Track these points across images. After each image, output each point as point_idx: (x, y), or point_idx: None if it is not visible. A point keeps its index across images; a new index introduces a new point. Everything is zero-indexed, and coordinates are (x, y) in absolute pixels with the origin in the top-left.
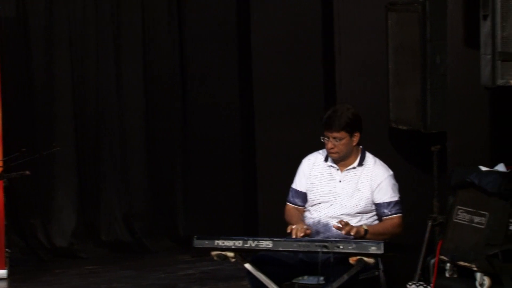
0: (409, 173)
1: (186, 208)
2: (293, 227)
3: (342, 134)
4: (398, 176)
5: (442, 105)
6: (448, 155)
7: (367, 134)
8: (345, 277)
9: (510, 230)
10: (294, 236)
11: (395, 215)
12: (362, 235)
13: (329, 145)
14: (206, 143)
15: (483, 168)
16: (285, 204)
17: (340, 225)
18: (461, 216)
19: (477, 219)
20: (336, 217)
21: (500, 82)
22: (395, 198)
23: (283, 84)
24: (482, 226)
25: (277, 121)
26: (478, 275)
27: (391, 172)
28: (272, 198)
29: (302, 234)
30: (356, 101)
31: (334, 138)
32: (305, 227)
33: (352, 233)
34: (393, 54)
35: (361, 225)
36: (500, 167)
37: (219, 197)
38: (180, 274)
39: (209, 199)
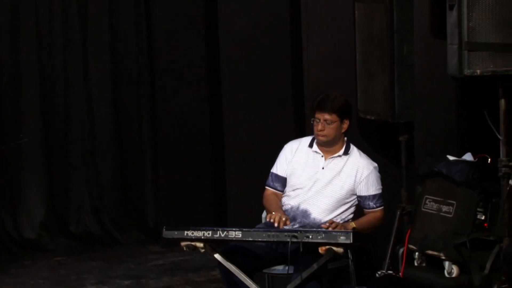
0: (378, 163)
1: (156, 199)
2: (274, 215)
3: (333, 117)
4: None
5: (410, 95)
6: (416, 145)
7: None
8: (315, 266)
9: (478, 219)
10: (276, 225)
11: (378, 208)
12: (351, 230)
13: (319, 126)
14: (175, 134)
15: (451, 158)
16: (253, 193)
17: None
18: (429, 205)
19: (445, 208)
20: (315, 204)
21: (467, 72)
22: (379, 190)
23: (251, 75)
24: (450, 215)
25: (245, 113)
26: (447, 263)
27: (375, 164)
28: (241, 189)
29: (282, 226)
30: (324, 91)
31: (325, 120)
32: (284, 218)
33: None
34: (361, 45)
35: (349, 222)
36: (468, 157)
37: (188, 188)
38: (150, 265)
39: (179, 190)
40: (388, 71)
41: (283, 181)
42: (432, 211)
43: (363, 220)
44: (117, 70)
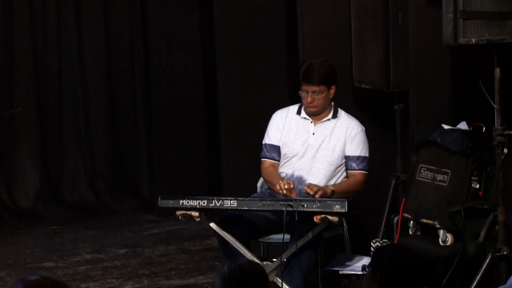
0: (373, 132)
1: (150, 168)
2: (281, 183)
3: (321, 88)
4: None
5: (405, 64)
6: (410, 114)
7: None
8: (310, 235)
9: (472, 187)
10: (283, 192)
11: (360, 171)
12: (329, 195)
13: (309, 99)
14: (169, 104)
15: (446, 127)
16: (248, 163)
17: (309, 190)
18: (424, 174)
19: (439, 177)
20: (309, 170)
21: (462, 40)
22: (365, 154)
23: (246, 47)
24: (445, 184)
25: (239, 83)
26: (441, 232)
27: (363, 127)
28: (236, 158)
29: (287, 186)
30: (307, 59)
31: (314, 92)
32: (292, 185)
33: (318, 196)
34: (356, 14)
35: (327, 186)
36: (463, 125)
37: (183, 157)
38: (145, 234)
39: (173, 159)
40: (383, 40)
41: (278, 149)
42: (426, 180)
43: (342, 184)
44: (111, 41)
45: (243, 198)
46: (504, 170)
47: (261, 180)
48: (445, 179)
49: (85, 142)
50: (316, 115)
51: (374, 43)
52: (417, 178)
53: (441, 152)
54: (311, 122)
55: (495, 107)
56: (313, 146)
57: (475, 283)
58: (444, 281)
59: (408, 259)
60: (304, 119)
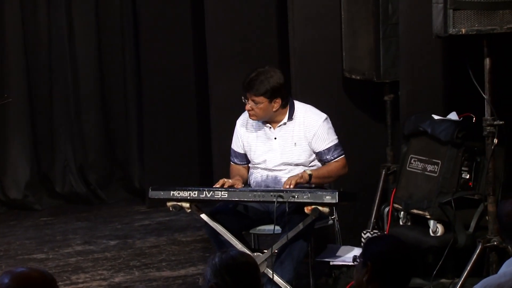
0: (363, 122)
1: (141, 159)
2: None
3: (260, 99)
4: (352, 126)
5: (395, 54)
6: (401, 104)
7: (321, 84)
8: (301, 226)
9: (463, 178)
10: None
11: (338, 158)
12: (308, 179)
13: (247, 107)
14: (160, 93)
15: (436, 117)
16: None
17: (286, 186)
18: (414, 164)
19: (430, 167)
20: (282, 171)
21: (452, 31)
22: (334, 142)
23: (237, 34)
24: (435, 174)
25: (230, 72)
26: (432, 222)
27: (324, 116)
28: (227, 150)
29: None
30: (309, 51)
31: (253, 101)
32: (231, 180)
33: (298, 182)
34: (346, 4)
35: (304, 171)
36: (453, 116)
37: (174, 148)
38: (136, 225)
39: (164, 150)
40: (373, 30)
41: (242, 156)
42: (417, 170)
43: (322, 169)
44: (102, 29)
45: (234, 189)
46: (494, 160)
47: None
48: (436, 170)
49: (76, 133)
50: (268, 120)
51: (365, 33)
52: (408, 168)
53: (432, 142)
54: (270, 127)
55: (485, 97)
56: (278, 150)
57: (465, 273)
58: (435, 271)
59: (399, 249)
60: (263, 125)
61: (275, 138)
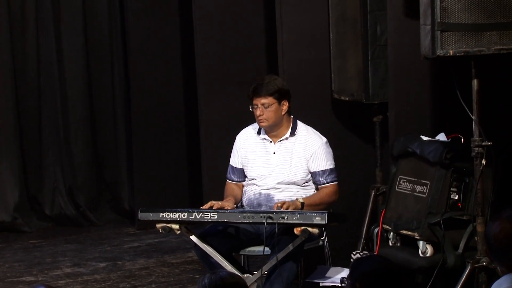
0: (352, 143)
1: (131, 180)
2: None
3: (270, 99)
4: (341, 147)
5: (384, 76)
6: (389, 125)
7: (310, 105)
8: (290, 247)
9: (452, 198)
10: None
11: (330, 184)
12: (300, 208)
13: (258, 112)
14: (149, 115)
15: (425, 138)
16: None
17: (276, 208)
18: (403, 185)
19: (419, 188)
20: (275, 188)
21: (440, 52)
22: (330, 166)
23: (226, 55)
24: (424, 195)
25: (220, 93)
26: (421, 243)
27: (324, 140)
28: (217, 170)
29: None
30: (298, 72)
31: (262, 104)
32: (220, 202)
33: (289, 209)
34: (335, 25)
35: (296, 199)
36: (441, 137)
37: (163, 169)
38: (125, 247)
39: (154, 172)
40: (362, 52)
41: (239, 172)
42: (406, 191)
43: (314, 196)
44: (91, 50)
45: (224, 211)
46: (482, 181)
47: None
48: (424, 190)
49: (64, 155)
50: (272, 131)
51: (353, 54)
52: (397, 189)
53: (420, 163)
54: (271, 142)
55: (473, 118)
56: (276, 165)
57: None
58: None
59: (387, 270)
60: (263, 140)
61: (274, 153)
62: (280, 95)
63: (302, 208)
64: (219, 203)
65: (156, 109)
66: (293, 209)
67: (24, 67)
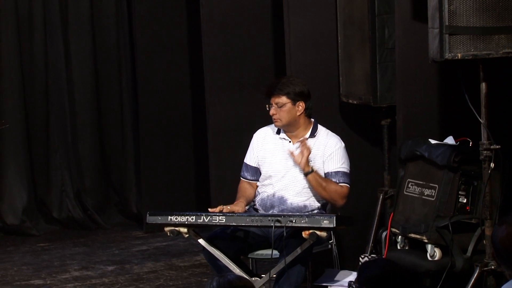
0: (360, 147)
1: (138, 183)
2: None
3: (283, 99)
4: (349, 150)
5: (392, 79)
6: (397, 128)
7: (317, 108)
8: (299, 250)
9: (460, 202)
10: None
11: (342, 184)
12: (309, 170)
13: (272, 111)
14: (157, 118)
15: (433, 141)
16: (236, 177)
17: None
18: (412, 188)
19: (427, 191)
20: (290, 190)
21: (448, 55)
22: (344, 169)
23: (233, 58)
24: (432, 199)
25: (227, 96)
26: (429, 246)
27: (343, 144)
28: (224, 173)
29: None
30: (306, 75)
31: (276, 103)
32: (229, 207)
33: (302, 158)
34: (342, 28)
35: (309, 160)
36: (449, 140)
37: (171, 172)
38: (133, 250)
39: (162, 175)
40: (370, 54)
41: (253, 170)
42: (414, 195)
43: (326, 179)
44: (98, 53)
45: (232, 214)
46: (491, 184)
47: None
48: (433, 194)
49: (72, 158)
50: (290, 131)
51: (361, 58)
52: (405, 192)
53: (428, 166)
54: (290, 142)
55: (482, 121)
56: (293, 165)
57: None
58: None
59: (394, 273)
60: (282, 139)
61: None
62: (295, 95)
63: (311, 171)
64: (229, 207)
65: (164, 112)
66: (303, 164)
67: (32, 70)
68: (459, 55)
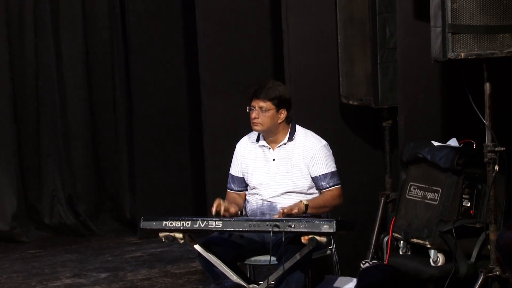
0: (361, 149)
1: (132, 188)
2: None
3: (268, 104)
4: (349, 152)
5: (393, 79)
6: (399, 130)
7: (317, 110)
8: (298, 256)
9: (463, 206)
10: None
11: (334, 187)
12: (304, 210)
13: (253, 114)
14: (152, 120)
15: (435, 143)
16: None
17: (281, 216)
18: (414, 192)
19: (430, 195)
20: (278, 196)
21: (451, 55)
22: (331, 169)
23: (230, 59)
24: (435, 203)
25: (224, 98)
26: (432, 252)
27: (324, 142)
28: (221, 177)
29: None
30: (305, 76)
31: (260, 107)
32: (223, 205)
33: (294, 212)
34: (343, 28)
35: (300, 201)
36: (453, 142)
37: (166, 176)
38: (127, 257)
39: (156, 179)
40: (371, 55)
41: (239, 181)
42: (417, 198)
43: (318, 199)
44: (91, 54)
45: (228, 219)
46: (495, 187)
47: None
48: (436, 197)
49: (64, 162)
50: (269, 136)
51: (362, 58)
52: (407, 196)
53: (431, 169)
54: (269, 148)
55: (486, 123)
56: (277, 172)
57: None
58: None
59: (396, 280)
60: (262, 146)
61: (274, 160)
62: (279, 102)
63: (306, 210)
64: (226, 203)
65: (159, 114)
66: (298, 212)
67: (22, 72)
68: (462, 54)
